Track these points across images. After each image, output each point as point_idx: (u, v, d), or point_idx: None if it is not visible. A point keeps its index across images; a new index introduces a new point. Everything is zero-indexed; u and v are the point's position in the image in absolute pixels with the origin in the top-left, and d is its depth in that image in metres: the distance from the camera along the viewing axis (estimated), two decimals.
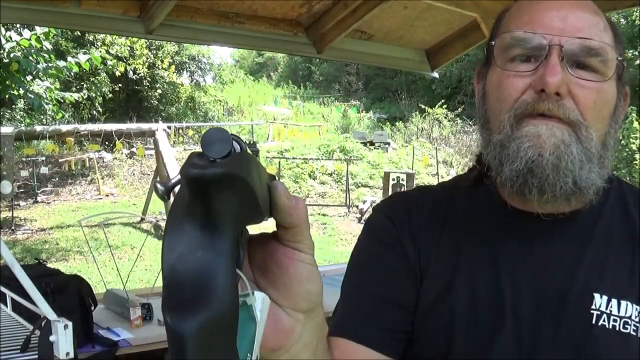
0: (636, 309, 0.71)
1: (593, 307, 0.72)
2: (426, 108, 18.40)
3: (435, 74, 4.52)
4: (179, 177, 0.42)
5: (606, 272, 0.73)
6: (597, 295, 0.72)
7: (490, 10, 3.45)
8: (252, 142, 0.77)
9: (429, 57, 4.36)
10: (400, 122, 19.25)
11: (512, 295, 0.74)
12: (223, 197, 0.38)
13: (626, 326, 0.71)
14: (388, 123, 20.19)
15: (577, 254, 0.75)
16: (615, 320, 0.71)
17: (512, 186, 0.71)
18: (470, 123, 18.15)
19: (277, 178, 0.51)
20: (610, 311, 0.71)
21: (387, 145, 15.54)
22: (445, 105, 18.30)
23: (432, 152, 14.60)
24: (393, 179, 10.89)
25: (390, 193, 10.86)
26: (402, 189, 10.75)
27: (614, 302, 0.71)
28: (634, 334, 0.70)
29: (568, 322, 0.72)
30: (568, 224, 0.75)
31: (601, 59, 0.71)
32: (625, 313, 0.71)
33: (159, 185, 0.46)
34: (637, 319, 0.71)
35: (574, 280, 0.73)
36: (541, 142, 0.68)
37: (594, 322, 0.71)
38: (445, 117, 18.11)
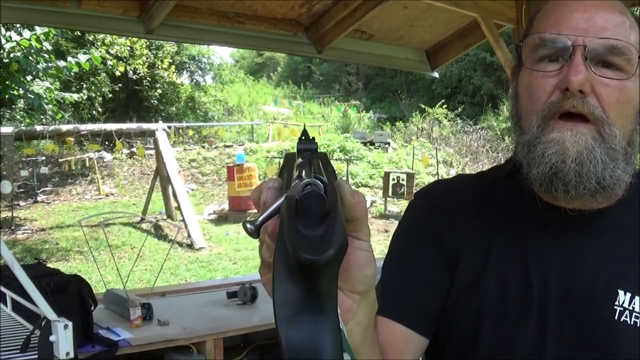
0: None
1: (617, 303, 0.73)
2: (426, 108, 18.39)
3: (435, 74, 4.52)
4: (266, 213, 0.46)
5: (633, 268, 0.74)
6: (621, 292, 0.73)
7: (490, 10, 3.45)
8: (312, 138, 0.56)
9: (429, 57, 4.36)
10: (400, 122, 19.25)
11: (540, 287, 0.76)
12: (332, 270, 0.40)
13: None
14: (388, 123, 20.19)
15: (604, 250, 0.76)
16: (637, 317, 0.72)
17: (540, 185, 0.74)
18: (470, 123, 18.16)
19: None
20: (633, 308, 0.73)
21: (387, 145, 15.53)
22: (445, 105, 18.30)
23: (432, 152, 14.60)
24: (393, 179, 10.88)
25: (390, 193, 10.86)
26: (402, 189, 10.76)
27: (637, 299, 0.73)
28: None
29: (591, 316, 0.73)
30: (598, 220, 0.77)
31: (625, 57, 0.72)
32: None
33: (248, 225, 0.48)
34: None
35: (599, 276, 0.74)
36: (565, 148, 0.71)
37: (616, 317, 0.72)
38: (445, 117, 18.11)
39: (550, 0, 0.79)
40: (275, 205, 0.46)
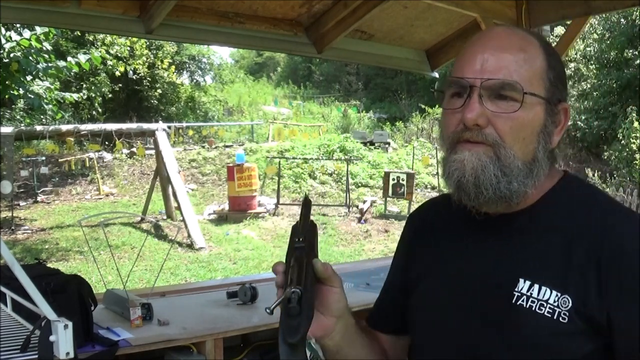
0: (555, 295, 0.85)
1: (516, 289, 0.88)
2: (426, 108, 18.40)
3: (435, 74, 4.52)
4: (275, 303, 0.82)
5: (535, 261, 0.88)
6: (521, 280, 0.88)
7: (490, 10, 3.45)
8: (305, 194, 1.15)
9: (429, 57, 4.36)
10: (400, 122, 19.26)
11: (462, 277, 0.94)
12: (301, 345, 0.81)
13: (541, 308, 0.86)
14: (388, 123, 20.20)
15: (513, 247, 0.91)
16: (533, 302, 0.86)
17: (452, 196, 0.92)
18: None
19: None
20: (530, 294, 0.87)
21: (387, 145, 15.54)
22: None
23: (432, 152, 14.60)
24: (393, 179, 10.88)
25: (390, 193, 10.86)
26: (402, 189, 10.76)
27: (536, 287, 0.87)
28: (549, 315, 0.85)
29: (497, 299, 0.89)
30: (511, 222, 0.93)
31: (516, 91, 0.87)
32: (543, 297, 0.86)
33: (266, 309, 0.81)
34: (554, 304, 0.85)
35: (506, 267, 0.90)
36: (463, 165, 0.88)
37: (514, 301, 0.87)
38: None
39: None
40: (278, 300, 0.81)
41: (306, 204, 0.96)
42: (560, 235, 0.89)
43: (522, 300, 0.87)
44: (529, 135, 0.89)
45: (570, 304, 0.84)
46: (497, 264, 0.91)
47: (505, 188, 0.87)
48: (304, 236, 0.87)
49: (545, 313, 0.85)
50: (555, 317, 0.85)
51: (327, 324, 0.91)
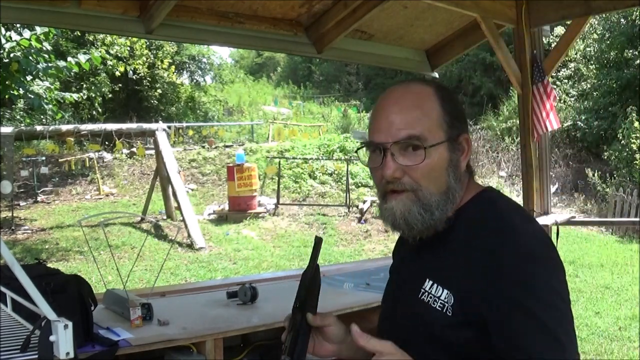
0: (446, 293, 1.08)
1: (422, 287, 1.13)
2: None
3: (435, 74, 4.52)
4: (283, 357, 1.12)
5: (441, 267, 1.11)
6: (427, 280, 1.13)
7: (490, 10, 3.45)
8: (316, 237, 1.22)
9: (429, 57, 4.36)
10: None
11: (400, 280, 1.27)
12: None
13: (435, 302, 1.09)
14: None
15: (428, 255, 1.16)
16: (430, 298, 1.11)
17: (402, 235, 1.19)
18: (470, 123, 18.14)
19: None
20: (430, 291, 1.11)
21: None
22: None
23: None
24: None
25: None
26: None
27: (435, 286, 1.10)
28: (439, 309, 1.08)
29: (411, 295, 1.15)
30: (432, 242, 1.15)
31: (420, 141, 1.08)
32: (437, 294, 1.10)
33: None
34: (444, 300, 1.08)
35: (422, 271, 1.15)
36: (393, 213, 1.11)
37: (419, 296, 1.13)
38: None
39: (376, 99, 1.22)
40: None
41: (316, 245, 1.18)
42: (463, 244, 1.09)
43: (424, 296, 1.12)
44: (439, 173, 1.11)
45: (454, 301, 1.06)
46: (418, 270, 1.17)
47: (430, 219, 1.10)
48: (302, 295, 1.17)
49: (437, 307, 1.09)
50: (443, 311, 1.07)
51: (331, 349, 1.21)
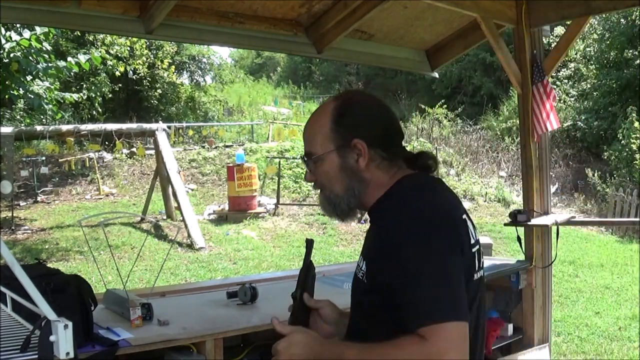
0: (365, 264, 1.32)
1: (358, 265, 1.35)
2: (426, 108, 18.36)
3: (435, 74, 4.51)
4: None
5: (371, 247, 1.34)
6: (361, 257, 1.36)
7: (490, 10, 3.44)
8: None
9: (429, 57, 4.36)
10: (400, 122, 19.19)
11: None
12: None
13: (360, 274, 1.33)
14: None
15: (367, 239, 1.39)
16: (359, 271, 1.34)
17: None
18: (470, 123, 18.14)
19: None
20: (360, 266, 1.34)
21: None
22: (445, 105, 18.26)
23: (432, 152, 14.57)
24: None
25: None
26: None
27: (362, 260, 1.34)
28: (361, 278, 1.32)
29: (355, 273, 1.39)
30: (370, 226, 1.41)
31: (313, 154, 1.39)
32: (362, 266, 1.33)
33: None
34: (364, 270, 1.31)
35: (362, 252, 1.39)
36: (320, 203, 1.45)
37: (355, 271, 1.36)
38: (445, 117, 18.08)
39: None
40: None
41: (308, 245, 1.47)
42: (379, 225, 1.34)
43: (357, 270, 1.36)
44: (334, 176, 1.37)
45: (366, 269, 1.30)
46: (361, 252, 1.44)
47: (339, 209, 1.40)
48: (300, 284, 1.44)
49: (359, 276, 1.33)
50: (363, 279, 1.31)
51: (328, 330, 1.44)
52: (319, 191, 1.44)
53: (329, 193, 1.39)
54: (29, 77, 7.89)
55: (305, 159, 1.41)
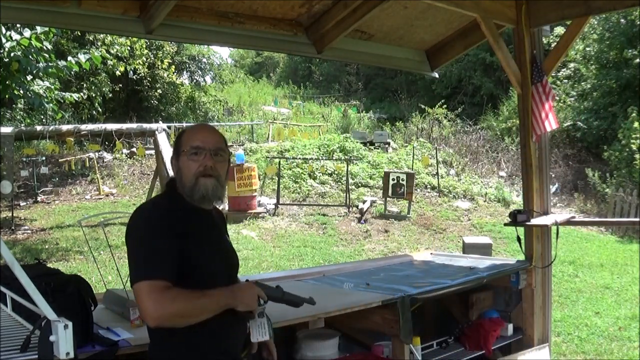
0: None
1: (228, 239, 2.05)
2: (426, 108, 18.38)
3: (435, 74, 4.52)
4: None
5: (223, 228, 2.08)
6: (226, 236, 2.07)
7: (490, 10, 3.45)
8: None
9: (429, 57, 4.36)
10: (400, 122, 19.23)
11: (217, 242, 1.96)
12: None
13: (232, 249, 2.09)
14: (388, 123, 20.18)
15: (215, 221, 1.97)
16: (230, 246, 2.07)
17: (198, 203, 1.87)
18: (470, 123, 18.15)
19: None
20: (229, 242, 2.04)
21: (387, 145, 15.53)
22: (445, 105, 18.28)
23: (432, 152, 14.60)
24: (393, 179, 10.88)
25: (390, 193, 10.87)
26: (402, 189, 10.76)
27: (227, 238, 2.07)
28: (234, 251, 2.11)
29: (229, 244, 2.07)
30: (214, 215, 1.99)
31: (224, 152, 1.91)
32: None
33: None
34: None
35: (219, 229, 2.00)
36: (207, 187, 1.85)
37: (229, 247, 2.06)
38: (445, 117, 18.10)
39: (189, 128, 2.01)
40: None
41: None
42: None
43: (229, 245, 2.03)
44: (224, 173, 1.92)
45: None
46: (219, 227, 2.00)
47: (221, 195, 1.90)
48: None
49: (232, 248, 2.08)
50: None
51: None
52: (210, 178, 1.85)
53: (222, 182, 1.89)
54: (29, 77, 7.89)
55: (221, 153, 1.88)
